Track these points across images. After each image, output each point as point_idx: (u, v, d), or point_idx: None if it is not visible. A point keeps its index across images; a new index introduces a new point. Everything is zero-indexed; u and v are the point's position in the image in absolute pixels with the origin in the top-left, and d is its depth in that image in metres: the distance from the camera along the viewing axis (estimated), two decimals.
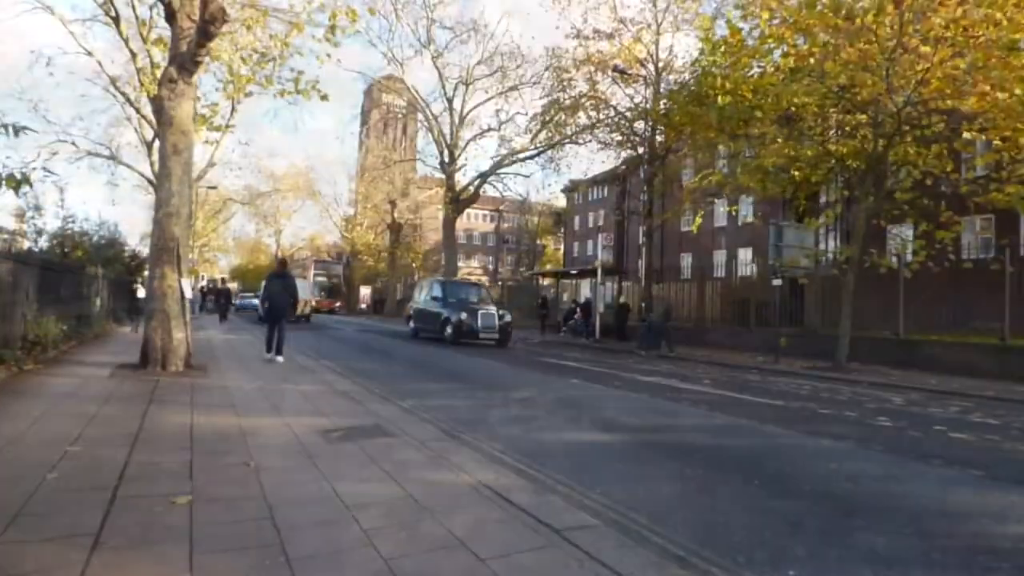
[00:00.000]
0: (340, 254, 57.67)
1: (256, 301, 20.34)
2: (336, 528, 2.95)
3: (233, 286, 43.16)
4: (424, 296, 19.36)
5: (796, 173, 13.74)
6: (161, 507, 3.11)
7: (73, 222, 16.15)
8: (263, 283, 11.68)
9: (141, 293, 13.99)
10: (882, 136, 11.85)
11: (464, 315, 16.44)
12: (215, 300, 18.64)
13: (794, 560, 2.93)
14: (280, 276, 11.03)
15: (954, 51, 10.42)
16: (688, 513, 3.54)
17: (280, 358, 10.35)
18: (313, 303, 36.83)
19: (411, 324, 19.98)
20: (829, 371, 11.72)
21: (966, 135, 11.55)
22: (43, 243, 14.51)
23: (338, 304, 44.20)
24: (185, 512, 3.06)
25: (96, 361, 9.21)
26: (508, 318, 17.07)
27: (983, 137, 11.62)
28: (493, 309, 16.98)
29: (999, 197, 10.71)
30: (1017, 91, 9.88)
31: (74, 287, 12.86)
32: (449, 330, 16.53)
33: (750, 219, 24.67)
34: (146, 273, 14.04)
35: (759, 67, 13.55)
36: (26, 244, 14.18)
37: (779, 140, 13.28)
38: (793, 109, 12.72)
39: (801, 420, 6.74)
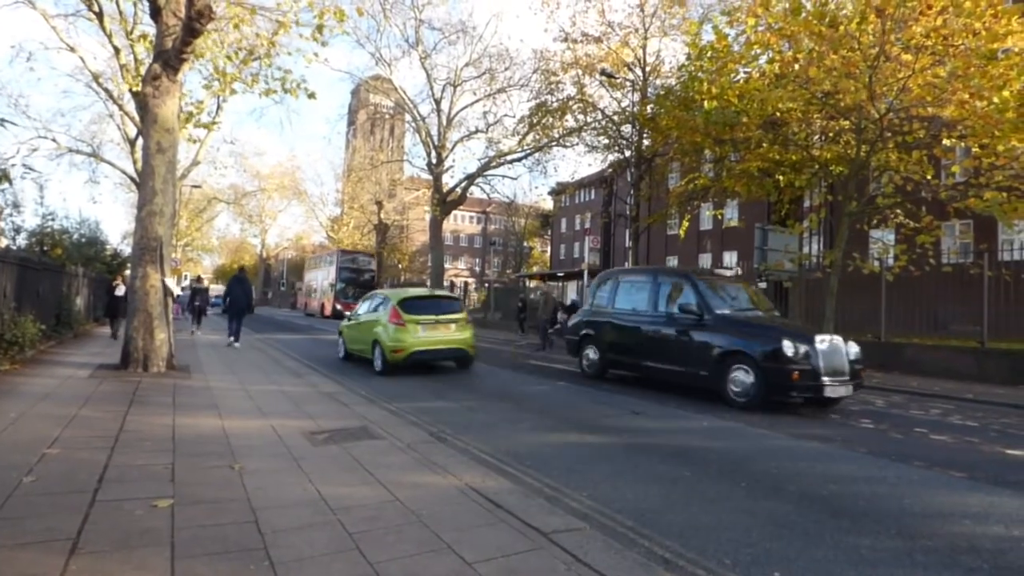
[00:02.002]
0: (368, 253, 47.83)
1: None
2: (321, 532, 2.92)
3: (208, 285, 39.74)
4: (634, 300, 9.56)
5: (780, 178, 13.88)
6: (142, 511, 3.06)
7: (53, 220, 15.92)
8: (227, 284, 14.31)
9: (120, 291, 13.16)
10: (865, 142, 12.02)
11: (797, 345, 7.24)
12: (190, 300, 17.65)
13: (779, 561, 2.95)
14: (240, 280, 13.76)
15: (934, 60, 10.60)
16: (674, 515, 3.55)
17: (237, 344, 13.12)
18: (338, 306, 32.79)
19: (588, 354, 10.21)
20: None
21: (946, 142, 11.74)
22: (22, 241, 14.27)
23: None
24: (167, 516, 3.01)
25: (76, 361, 9.05)
26: (857, 351, 7.76)
27: (962, 144, 11.83)
28: (834, 338, 7.64)
29: (978, 203, 10.89)
30: (995, 99, 10.06)
31: (53, 286, 12.64)
32: (749, 378, 7.38)
33: (735, 223, 24.95)
34: (127, 272, 13.86)
35: (745, 73, 13.69)
36: (4, 242, 13.91)
37: (764, 145, 13.41)
38: (778, 114, 12.86)
39: (786, 422, 6.79)
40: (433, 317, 10.57)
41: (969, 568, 2.93)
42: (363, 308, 12.04)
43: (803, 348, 7.15)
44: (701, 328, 8.11)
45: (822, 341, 7.32)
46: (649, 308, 9.11)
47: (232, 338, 13.34)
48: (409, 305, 10.58)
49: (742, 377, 7.41)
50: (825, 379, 7.08)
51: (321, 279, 37.34)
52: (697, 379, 8.04)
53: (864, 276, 12.84)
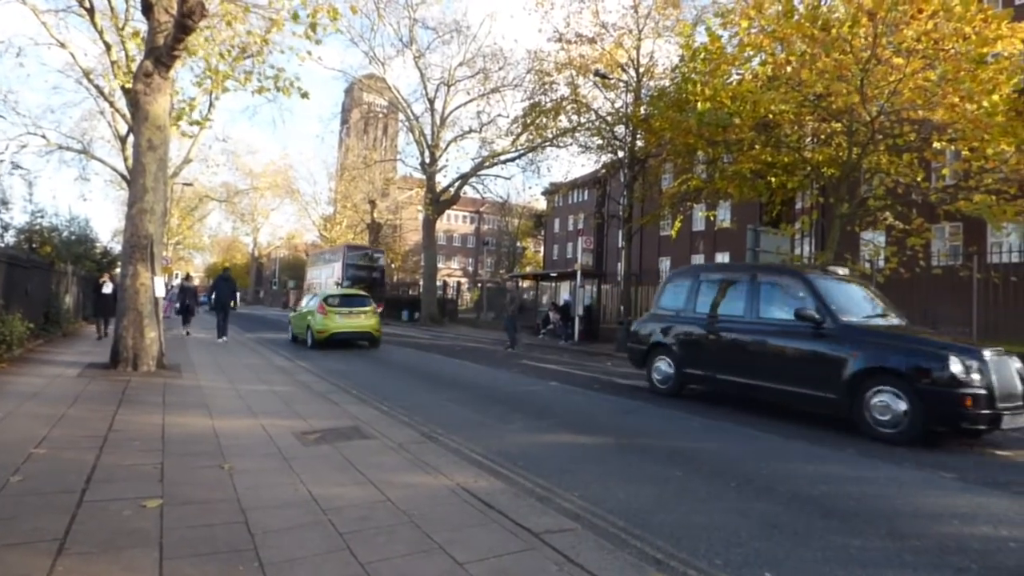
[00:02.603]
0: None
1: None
2: (312, 532, 2.90)
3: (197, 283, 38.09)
4: (723, 303, 8.05)
5: (773, 179, 13.96)
6: (130, 511, 3.04)
7: (42, 217, 15.78)
8: (212, 282, 15.80)
9: (107, 290, 12.90)
10: (856, 144, 12.10)
11: (966, 362, 5.75)
12: (180, 299, 16.88)
13: (770, 561, 2.96)
14: (225, 279, 14.82)
15: (925, 63, 10.69)
16: (666, 515, 3.55)
17: (225, 339, 13.91)
18: None
19: (660, 367, 8.57)
20: None
21: (936, 145, 11.84)
22: (10, 238, 14.13)
23: (378, 309, 36.27)
24: (155, 516, 2.99)
25: (64, 360, 8.97)
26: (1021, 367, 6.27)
27: (952, 147, 11.94)
28: (1001, 352, 6.14)
29: (967, 205, 11.01)
30: (985, 103, 10.16)
31: (42, 284, 12.52)
32: (900, 404, 5.85)
33: (728, 224, 25.05)
34: (117, 270, 13.74)
35: (738, 74, 13.75)
36: None
37: (756, 146, 13.48)
38: (770, 116, 12.93)
39: (782, 424, 6.82)
40: (348, 309, 14.44)
41: (958, 568, 2.96)
42: (303, 303, 15.31)
43: (974, 365, 5.64)
44: (822, 339, 6.55)
45: (992, 356, 5.80)
46: (746, 313, 7.49)
47: (219, 333, 14.16)
48: (331, 300, 14.61)
49: (889, 403, 5.85)
50: (1001, 405, 5.57)
51: (325, 277, 34.65)
52: (821, 403, 6.50)
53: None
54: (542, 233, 58.57)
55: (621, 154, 21.86)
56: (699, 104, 12.82)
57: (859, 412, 6.07)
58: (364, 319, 14.55)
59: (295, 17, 9.83)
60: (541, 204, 52.28)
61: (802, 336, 6.75)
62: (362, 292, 17.72)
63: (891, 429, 5.82)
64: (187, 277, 18.77)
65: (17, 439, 4.28)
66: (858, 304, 7.27)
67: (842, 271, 7.76)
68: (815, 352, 6.62)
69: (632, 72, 21.40)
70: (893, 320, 7.25)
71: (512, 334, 17.01)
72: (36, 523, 2.81)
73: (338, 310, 14.19)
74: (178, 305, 17.74)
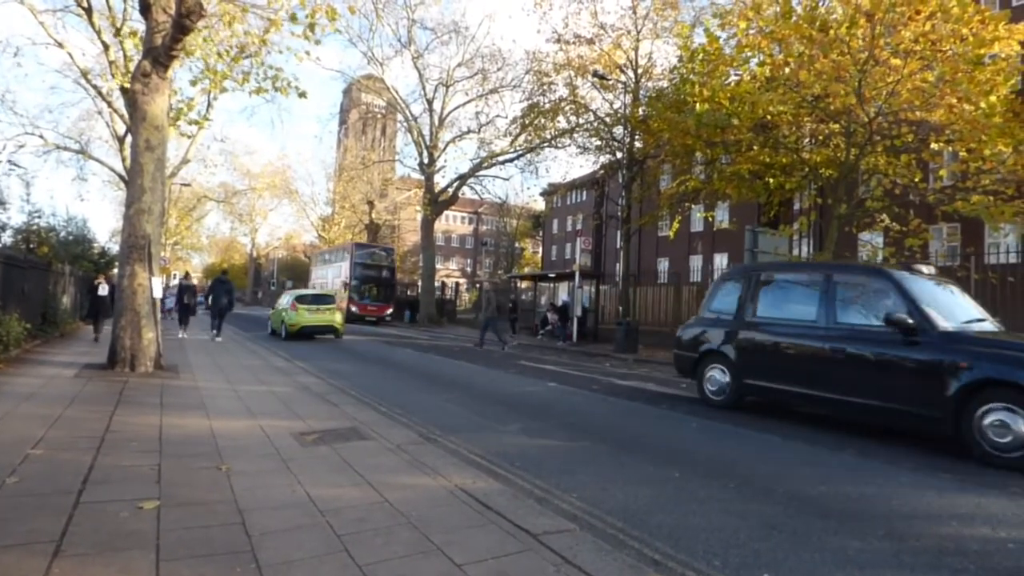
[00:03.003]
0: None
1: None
2: (310, 533, 2.89)
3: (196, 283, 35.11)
4: (791, 306, 7.32)
5: (771, 180, 13.98)
6: (127, 512, 3.03)
7: (39, 217, 15.75)
8: (209, 284, 16.91)
9: (103, 291, 12.69)
10: (854, 145, 12.12)
11: None
12: (178, 299, 16.19)
13: (769, 562, 2.95)
14: (222, 281, 15.68)
15: (923, 64, 10.72)
16: (664, 516, 3.55)
17: (220, 338, 14.48)
18: (353, 308, 28.13)
19: (713, 376, 7.78)
20: None
21: (934, 146, 11.87)
22: (7, 238, 14.10)
23: (388, 311, 30.60)
24: (152, 517, 2.98)
25: (61, 361, 8.95)
26: None
27: (950, 148, 11.97)
28: None
29: (965, 206, 11.03)
30: (982, 104, 10.19)
31: (39, 284, 12.49)
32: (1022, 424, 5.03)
33: (726, 225, 25.07)
34: (114, 271, 13.72)
35: (736, 75, 13.77)
36: None
37: (755, 147, 13.50)
38: (768, 117, 12.95)
39: (777, 424, 6.83)
40: (315, 307, 17.41)
41: (956, 569, 2.96)
42: (279, 302, 18.43)
43: None
44: (916, 347, 5.73)
45: None
46: (821, 318, 6.64)
47: (215, 332, 14.88)
48: (301, 299, 17.64)
49: (1008, 422, 5.01)
50: None
51: (332, 277, 32.96)
52: (917, 421, 5.68)
53: None
54: (540, 234, 58.61)
55: (619, 155, 21.88)
56: (697, 105, 12.84)
57: (968, 433, 5.25)
58: (328, 315, 17.44)
59: (293, 18, 9.82)
60: (539, 205, 52.27)
61: (891, 344, 5.91)
62: (327, 293, 20.47)
63: (1013, 453, 4.96)
64: (186, 276, 18.46)
65: (14, 440, 4.27)
66: (952, 307, 6.43)
67: (928, 269, 7.02)
68: (910, 362, 5.73)
69: (630, 73, 21.42)
70: (990, 325, 6.47)
71: (483, 335, 17.28)
72: (32, 525, 2.80)
73: (307, 307, 17.18)
74: (176, 305, 17.26)
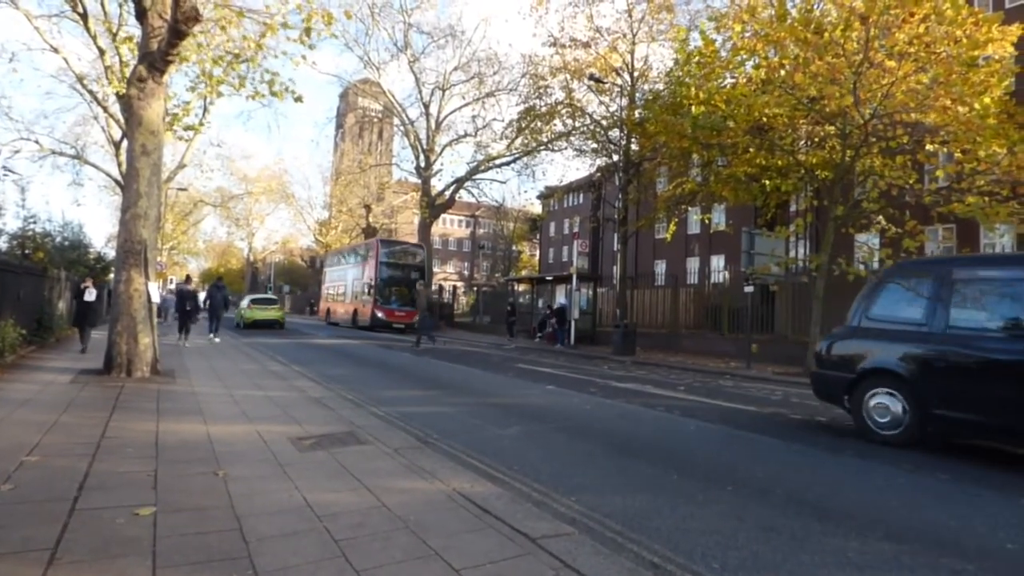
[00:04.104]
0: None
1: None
2: (307, 539, 2.88)
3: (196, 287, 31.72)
4: (999, 314, 5.49)
5: (767, 182, 14.02)
6: (123, 519, 3.01)
7: (35, 222, 15.63)
8: (207, 289, 19.45)
9: (90, 296, 11.68)
10: (849, 147, 12.17)
11: None
12: (179, 305, 15.32)
13: (768, 564, 2.95)
14: (218, 287, 17.42)
15: (917, 66, 10.77)
16: (663, 519, 3.54)
17: (217, 339, 15.64)
18: (379, 313, 25.56)
19: (879, 404, 6.00)
20: (800, 376, 11.93)
21: (929, 147, 11.92)
22: (2, 244, 14.01)
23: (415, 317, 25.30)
24: (148, 524, 2.96)
25: (57, 367, 8.91)
26: None
27: (945, 149, 12.02)
28: None
29: (960, 207, 11.07)
30: (976, 105, 10.25)
31: (35, 290, 12.44)
32: None
33: (722, 227, 25.11)
34: (111, 276, 13.65)
35: (732, 78, 13.83)
36: None
37: (751, 150, 13.54)
38: (764, 119, 12.99)
39: (773, 426, 6.83)
40: (263, 307, 24.87)
41: (954, 570, 2.95)
42: (241, 304, 25.00)
43: None
44: None
45: None
46: None
47: (212, 335, 15.94)
48: (254, 301, 25.58)
49: None
50: None
51: (351, 278, 29.59)
52: None
53: (850, 280, 12.97)
54: (537, 237, 58.65)
55: (616, 158, 21.94)
56: (693, 108, 12.88)
57: None
58: (273, 312, 24.69)
59: (285, 25, 9.82)
60: (536, 208, 52.33)
61: None
62: (272, 296, 27.43)
63: None
64: (187, 280, 17.77)
65: (9, 447, 4.24)
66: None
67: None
68: None
69: (626, 76, 21.49)
70: None
71: (421, 335, 17.58)
72: (27, 532, 2.78)
73: (258, 307, 24.73)
74: (175, 311, 16.46)
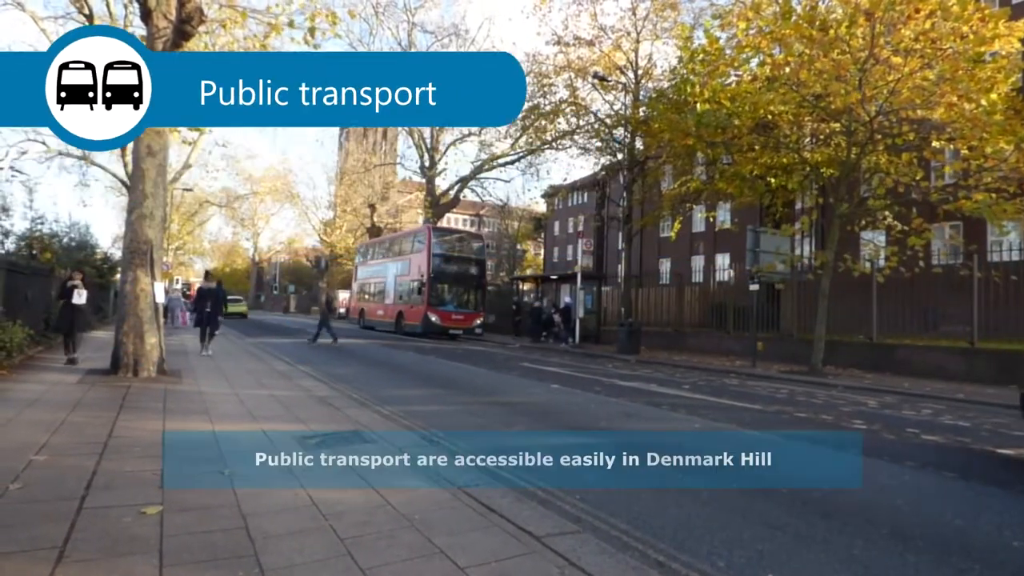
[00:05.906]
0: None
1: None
2: (312, 537, 2.89)
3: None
4: None
5: (772, 180, 13.98)
6: (130, 517, 3.02)
7: (42, 223, 15.74)
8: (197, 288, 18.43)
9: (78, 298, 9.38)
10: (855, 144, 12.11)
11: None
12: (196, 308, 13.45)
13: (773, 563, 2.94)
14: (217, 289, 17.01)
15: (923, 63, 10.70)
16: (668, 517, 3.54)
17: (218, 332, 14.49)
18: (432, 317, 21.28)
19: None
20: (805, 375, 11.90)
21: (935, 144, 11.85)
22: (10, 245, 14.11)
23: (479, 321, 22.83)
24: (155, 522, 2.97)
25: (65, 367, 8.96)
26: None
27: (951, 146, 11.95)
28: None
29: (967, 204, 11.00)
30: (983, 102, 10.17)
31: (43, 291, 12.52)
32: None
33: (727, 225, 25.07)
34: (117, 276, 13.71)
35: (736, 76, 13.77)
36: None
37: (756, 147, 13.49)
38: (769, 117, 12.94)
39: (779, 424, 6.81)
40: (234, 304, 34.27)
41: (960, 569, 2.94)
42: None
43: None
44: None
45: None
46: None
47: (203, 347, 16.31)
48: (227, 299, 25.02)
49: None
50: None
51: (393, 275, 24.98)
52: None
53: (855, 278, 12.93)
54: (542, 236, 58.59)
55: (620, 156, 21.90)
56: (698, 105, 12.85)
57: None
58: (239, 307, 36.75)
59: (291, 24, 9.85)
60: (541, 207, 52.31)
61: None
62: (239, 297, 38.59)
63: None
64: (207, 276, 14.89)
65: (17, 446, 4.27)
66: None
67: None
68: None
69: (631, 74, 21.44)
70: None
71: (318, 335, 16.97)
72: (35, 531, 2.80)
73: (230, 304, 30.57)
74: (194, 314, 14.56)
